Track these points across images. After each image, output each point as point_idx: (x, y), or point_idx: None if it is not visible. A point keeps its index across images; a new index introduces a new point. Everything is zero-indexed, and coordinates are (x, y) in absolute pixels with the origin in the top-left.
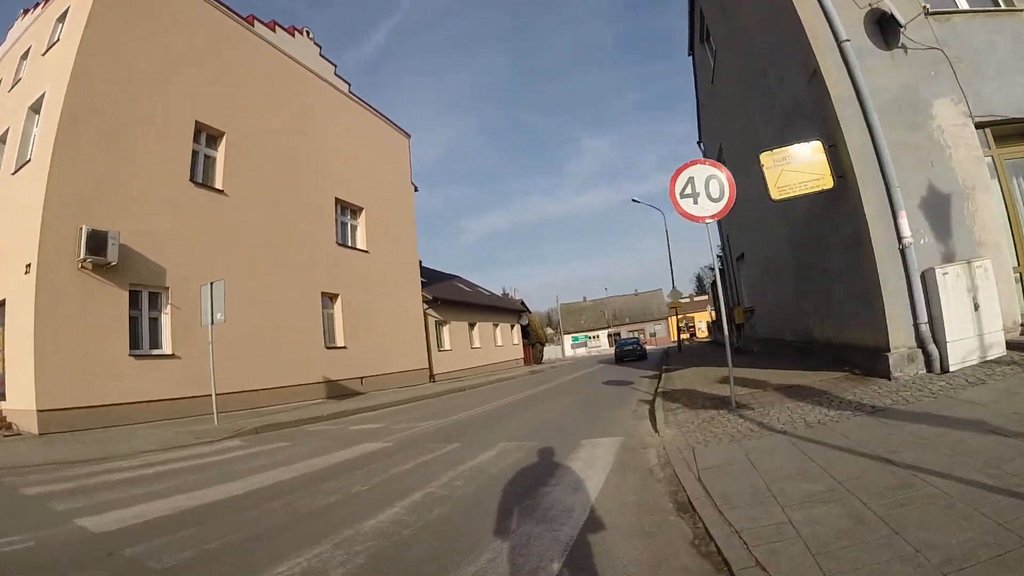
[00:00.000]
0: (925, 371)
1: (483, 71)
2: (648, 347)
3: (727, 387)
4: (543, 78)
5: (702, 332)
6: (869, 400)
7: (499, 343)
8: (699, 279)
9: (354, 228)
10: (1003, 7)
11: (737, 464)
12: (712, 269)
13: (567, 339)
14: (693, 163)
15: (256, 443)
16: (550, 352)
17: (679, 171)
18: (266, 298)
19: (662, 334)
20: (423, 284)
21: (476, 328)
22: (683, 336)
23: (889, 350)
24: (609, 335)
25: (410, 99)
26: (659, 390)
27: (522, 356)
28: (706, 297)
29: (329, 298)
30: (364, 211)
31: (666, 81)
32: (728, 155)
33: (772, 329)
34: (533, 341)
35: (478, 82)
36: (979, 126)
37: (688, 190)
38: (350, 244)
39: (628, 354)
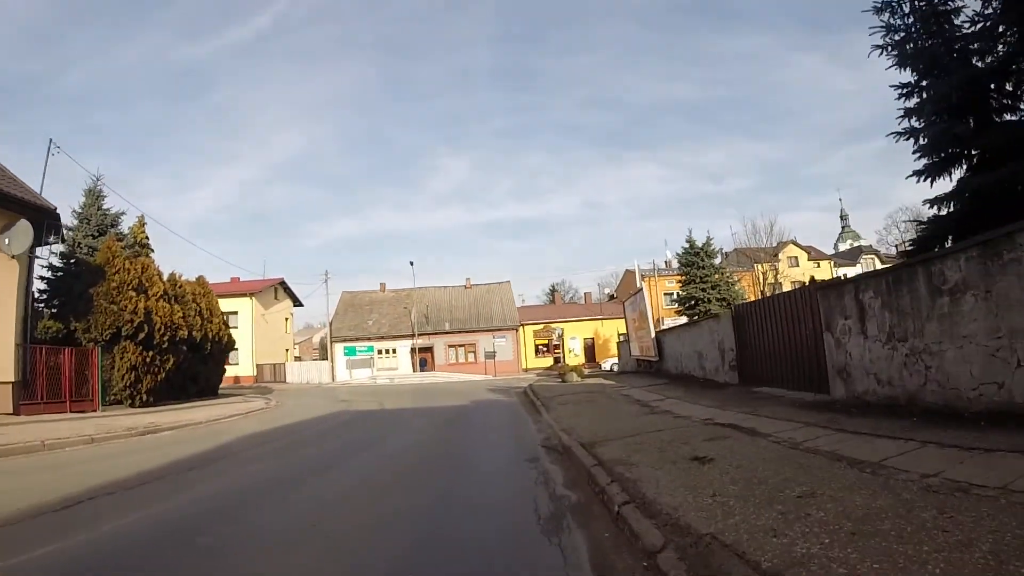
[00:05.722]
0: None
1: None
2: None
3: None
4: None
5: (576, 357)
6: None
7: None
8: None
9: None
10: None
11: None
12: None
13: (339, 350)
14: None
15: None
16: (293, 375)
17: None
18: None
19: (506, 355)
20: None
21: None
22: (547, 365)
23: None
24: (414, 349)
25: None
26: None
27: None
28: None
29: None
30: None
31: (529, 113)
32: None
33: None
34: (91, 335)
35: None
36: None
37: None
38: None
39: None
